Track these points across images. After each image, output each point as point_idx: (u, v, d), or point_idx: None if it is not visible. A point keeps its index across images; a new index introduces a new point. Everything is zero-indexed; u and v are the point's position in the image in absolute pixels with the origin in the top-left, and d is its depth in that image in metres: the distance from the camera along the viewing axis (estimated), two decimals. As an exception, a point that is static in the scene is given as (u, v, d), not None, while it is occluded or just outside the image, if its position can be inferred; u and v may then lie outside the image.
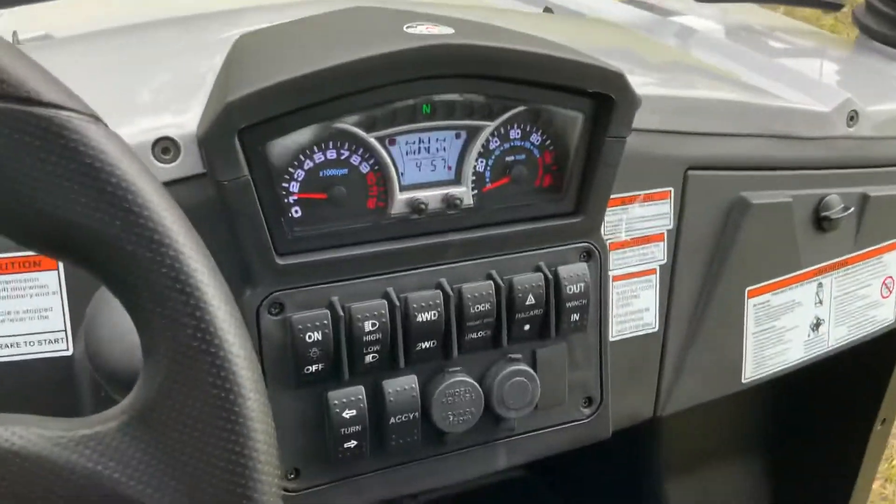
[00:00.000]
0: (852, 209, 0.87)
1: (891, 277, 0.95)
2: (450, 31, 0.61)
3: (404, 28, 0.61)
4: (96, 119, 0.33)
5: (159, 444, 0.33)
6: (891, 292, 0.96)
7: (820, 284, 0.89)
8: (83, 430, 0.34)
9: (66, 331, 0.58)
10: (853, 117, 0.86)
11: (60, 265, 0.57)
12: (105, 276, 0.34)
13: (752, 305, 0.84)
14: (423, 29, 0.61)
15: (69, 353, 0.59)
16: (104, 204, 0.32)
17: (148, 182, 0.33)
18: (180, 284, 0.33)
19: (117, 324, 0.51)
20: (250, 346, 0.35)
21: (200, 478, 0.33)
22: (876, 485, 2.05)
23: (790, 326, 0.88)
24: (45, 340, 0.58)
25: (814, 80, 0.91)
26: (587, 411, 0.74)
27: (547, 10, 1.12)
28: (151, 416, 0.34)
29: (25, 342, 0.58)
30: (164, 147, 0.58)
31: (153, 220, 0.33)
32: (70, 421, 0.34)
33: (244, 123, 0.55)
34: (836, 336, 0.92)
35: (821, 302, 0.89)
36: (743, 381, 0.86)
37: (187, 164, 0.59)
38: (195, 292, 0.33)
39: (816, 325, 0.90)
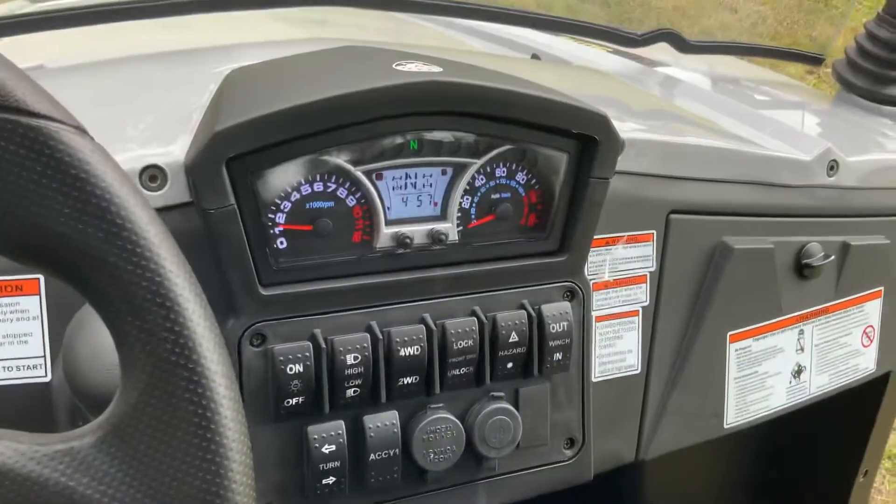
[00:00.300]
0: (833, 257, 0.88)
1: (872, 326, 0.96)
2: (438, 69, 0.62)
3: (394, 65, 0.62)
4: (82, 132, 0.33)
5: (133, 461, 0.33)
6: (871, 341, 0.96)
7: (801, 331, 0.89)
8: (58, 444, 0.33)
9: (45, 357, 0.58)
10: (833, 167, 0.88)
11: (42, 290, 0.57)
12: (85, 288, 0.34)
13: (733, 350, 0.84)
14: (412, 67, 0.62)
15: (47, 379, 0.58)
16: (87, 215, 0.32)
17: (132, 196, 0.33)
18: (160, 298, 0.33)
19: (96, 344, 0.50)
20: (229, 362, 0.35)
21: (174, 495, 0.33)
22: (859, 540, 2.03)
23: (772, 372, 0.88)
24: (24, 366, 0.58)
25: (795, 131, 0.92)
26: (569, 453, 0.73)
27: (534, 56, 1.14)
28: (126, 431, 0.33)
29: (3, 367, 0.57)
30: (152, 175, 0.59)
31: (136, 233, 0.33)
32: (45, 436, 0.34)
33: (232, 153, 0.56)
34: (818, 384, 0.92)
35: (802, 349, 0.90)
36: (725, 426, 0.85)
37: (174, 192, 0.59)
38: (175, 307, 0.33)
39: (798, 371, 0.90)
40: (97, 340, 0.50)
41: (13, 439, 0.33)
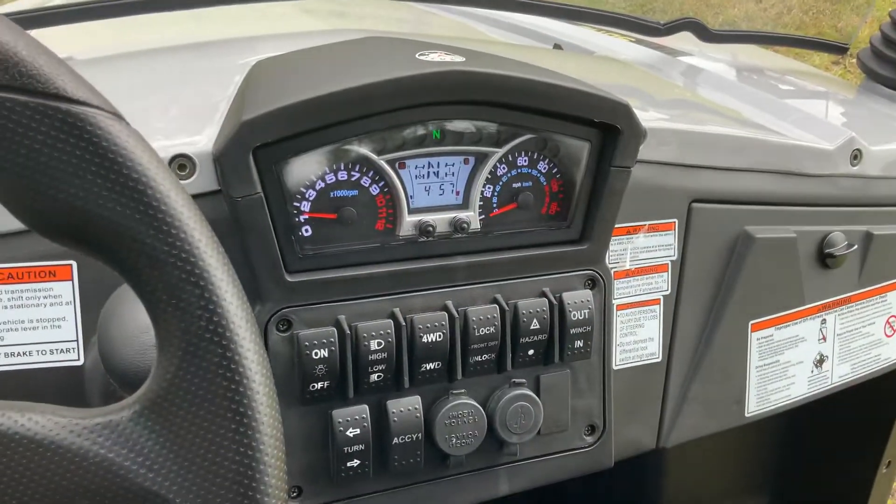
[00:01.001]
0: (856, 247, 0.87)
1: (895, 316, 0.95)
2: (461, 59, 0.63)
3: (417, 55, 0.63)
4: (119, 117, 0.35)
5: (170, 433, 0.34)
6: (894, 331, 0.96)
7: (823, 321, 0.89)
8: (97, 418, 0.35)
9: (77, 341, 0.59)
10: (857, 156, 0.87)
11: (75, 276, 0.59)
12: (122, 268, 0.35)
13: (755, 339, 0.84)
14: (435, 56, 0.63)
15: (80, 362, 0.60)
16: (125, 198, 0.34)
17: (167, 179, 0.35)
18: (194, 277, 0.34)
19: (130, 327, 0.52)
20: (260, 340, 0.36)
21: (209, 466, 0.34)
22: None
23: (794, 361, 0.88)
24: (57, 350, 0.59)
25: (818, 120, 0.92)
26: (590, 439, 0.74)
27: (557, 46, 1.14)
28: (163, 406, 0.35)
29: (38, 351, 0.59)
30: (181, 164, 0.60)
31: (171, 214, 0.34)
32: (85, 410, 0.35)
33: (259, 142, 0.57)
34: (840, 373, 0.92)
35: (824, 338, 0.90)
36: (746, 414, 0.86)
37: (202, 180, 0.60)
38: (208, 286, 0.34)
39: (820, 361, 0.90)
40: (131, 323, 0.52)
41: (55, 413, 0.34)
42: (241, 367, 0.34)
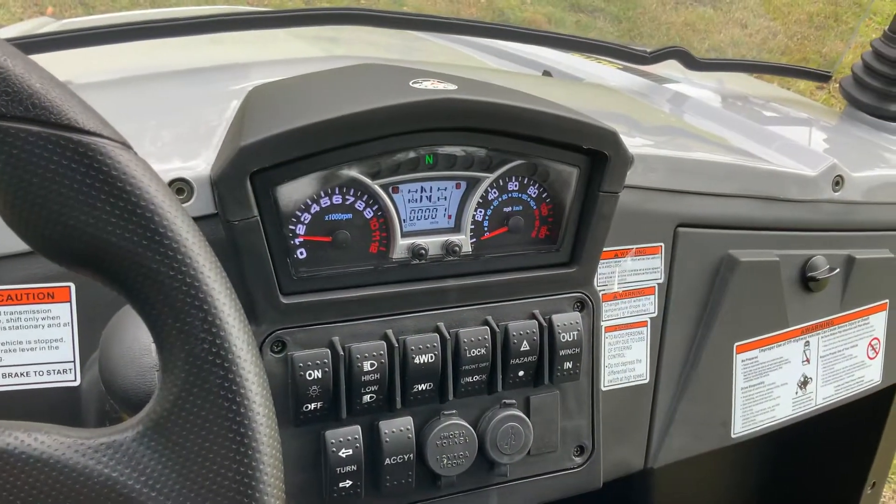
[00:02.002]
0: (838, 270, 0.89)
1: (877, 339, 0.97)
2: (453, 87, 0.64)
3: (410, 83, 0.64)
4: (127, 147, 0.36)
5: (172, 453, 0.35)
6: (877, 354, 0.98)
7: (807, 343, 0.91)
8: (101, 438, 0.35)
9: (74, 361, 0.60)
10: (839, 182, 0.89)
11: (73, 298, 0.60)
12: (129, 292, 0.36)
13: (740, 361, 0.86)
14: (428, 84, 0.64)
15: (76, 383, 0.60)
16: (133, 225, 0.35)
17: (172, 206, 0.36)
18: (199, 301, 0.35)
19: (130, 348, 0.53)
20: (261, 363, 0.37)
21: (210, 486, 0.35)
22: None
23: (778, 383, 0.89)
24: (54, 370, 0.60)
25: (801, 146, 0.94)
26: (579, 460, 0.75)
27: (546, 73, 1.17)
28: (166, 426, 0.36)
29: (35, 371, 0.60)
30: (179, 188, 0.61)
31: (176, 240, 0.35)
32: (89, 430, 0.36)
33: (256, 167, 0.58)
34: (824, 395, 0.94)
35: (808, 360, 0.91)
36: (732, 435, 0.87)
37: (199, 204, 0.62)
38: (212, 309, 0.35)
39: (804, 382, 0.92)
40: (133, 345, 0.53)
41: (60, 433, 0.35)
42: (242, 390, 0.36)
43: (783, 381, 0.90)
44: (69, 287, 0.60)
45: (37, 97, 0.34)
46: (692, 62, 1.08)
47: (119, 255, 0.35)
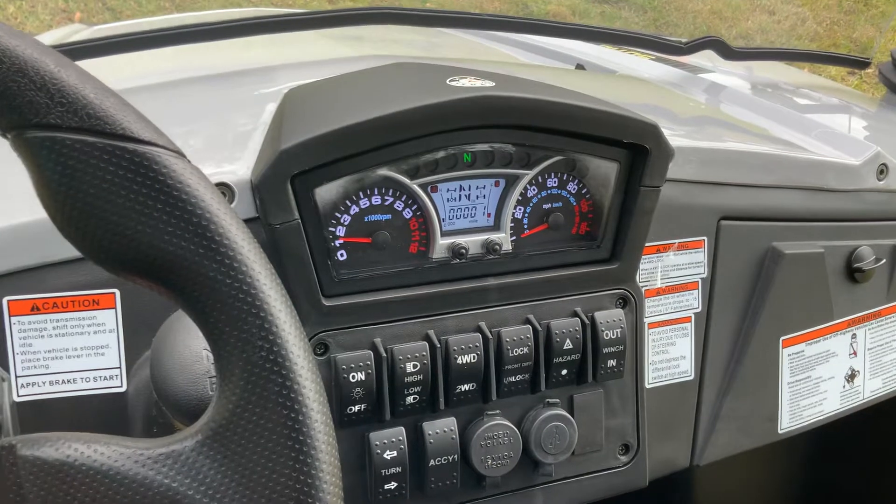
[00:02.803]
0: (884, 261, 0.87)
1: (925, 330, 0.95)
2: (491, 84, 0.64)
3: (447, 81, 0.64)
4: (181, 155, 0.36)
5: (232, 463, 0.35)
6: (926, 345, 0.95)
7: (854, 335, 0.89)
8: (160, 448, 0.35)
9: (120, 368, 0.60)
10: (883, 171, 0.87)
11: (118, 304, 0.60)
12: (186, 300, 0.36)
13: (786, 355, 0.84)
14: (465, 82, 0.64)
15: (122, 389, 0.61)
16: (189, 233, 0.35)
17: (227, 214, 0.36)
18: (255, 309, 0.35)
19: (182, 355, 0.53)
20: (316, 369, 0.37)
21: (269, 495, 0.35)
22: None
23: (825, 377, 0.88)
24: (101, 377, 0.60)
25: (843, 135, 0.92)
26: (624, 459, 0.74)
27: (579, 66, 1.15)
28: (225, 435, 0.35)
29: (82, 378, 0.60)
30: (221, 192, 0.61)
31: (232, 248, 0.35)
32: (148, 440, 0.36)
33: (297, 170, 0.58)
34: (872, 388, 0.92)
35: (855, 353, 0.90)
36: (779, 431, 0.85)
37: (241, 208, 0.62)
38: (268, 316, 0.35)
39: (851, 376, 0.90)
40: (185, 352, 0.53)
41: (119, 444, 0.35)
42: (300, 397, 0.35)
43: (830, 374, 0.88)
44: (114, 294, 0.60)
45: (91, 107, 0.34)
46: (728, 52, 1.07)
47: (176, 263, 0.35)
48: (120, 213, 0.34)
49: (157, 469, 0.35)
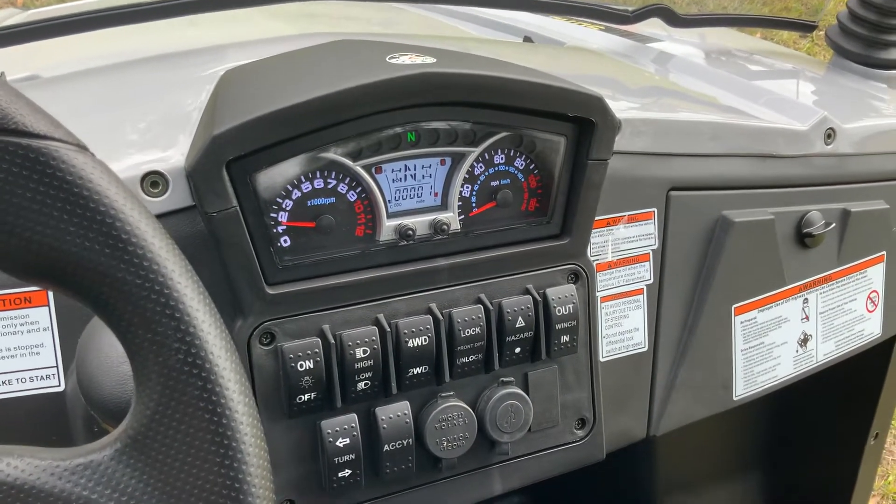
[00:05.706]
0: (833, 225, 0.88)
1: (876, 291, 0.96)
2: (432, 60, 0.62)
3: (387, 58, 0.62)
4: (83, 148, 0.34)
5: (154, 471, 0.34)
6: (876, 306, 0.97)
7: (805, 300, 0.90)
8: (77, 458, 0.34)
9: (57, 366, 0.59)
10: (830, 135, 0.88)
11: (51, 301, 0.58)
12: (95, 304, 0.34)
13: (739, 322, 0.84)
14: (405, 59, 0.62)
15: (61, 388, 0.59)
16: (93, 232, 0.33)
17: (136, 209, 0.34)
18: (169, 310, 0.33)
19: (108, 355, 0.51)
20: (241, 368, 0.35)
21: (195, 502, 0.33)
22: (872, 501, 2.05)
23: (778, 342, 0.88)
24: (37, 377, 0.58)
25: (790, 100, 0.92)
26: (581, 433, 0.74)
27: (527, 39, 1.14)
28: (145, 443, 0.34)
29: (17, 379, 0.58)
30: (153, 181, 0.59)
31: (141, 246, 0.33)
32: (64, 450, 0.34)
33: (231, 155, 0.56)
34: (825, 351, 0.93)
35: (807, 317, 0.90)
36: (734, 398, 0.86)
37: (176, 197, 0.60)
38: (184, 317, 0.34)
39: (804, 340, 0.91)
40: (109, 352, 0.51)
41: (33, 456, 0.33)
42: (222, 399, 0.34)
43: (783, 340, 0.88)
44: (46, 291, 0.58)
45: None
46: (675, 19, 1.06)
47: (81, 265, 0.33)
48: (16, 214, 0.32)
49: (75, 481, 0.33)
